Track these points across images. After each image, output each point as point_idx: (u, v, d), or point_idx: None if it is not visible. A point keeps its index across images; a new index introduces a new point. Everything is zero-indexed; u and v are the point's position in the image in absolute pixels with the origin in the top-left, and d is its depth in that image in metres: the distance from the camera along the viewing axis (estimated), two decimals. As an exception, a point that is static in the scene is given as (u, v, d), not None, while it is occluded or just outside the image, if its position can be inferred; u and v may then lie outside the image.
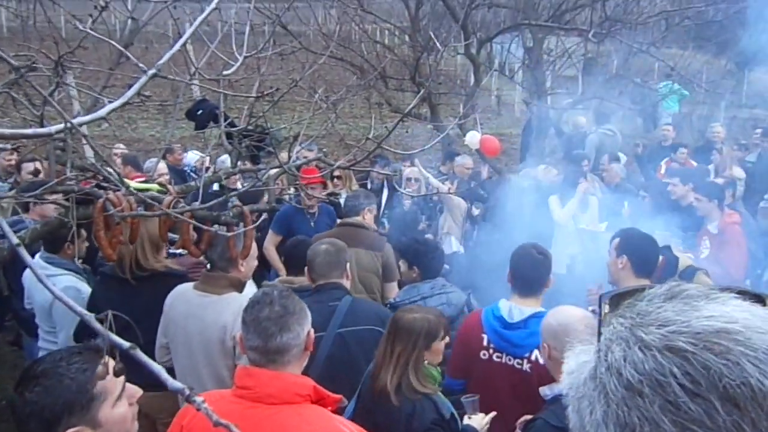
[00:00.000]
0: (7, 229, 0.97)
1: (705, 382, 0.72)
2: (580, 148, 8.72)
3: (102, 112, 1.12)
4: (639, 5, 8.03)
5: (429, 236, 6.58)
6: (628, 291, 0.89)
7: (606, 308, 0.90)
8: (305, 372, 2.25)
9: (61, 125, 1.06)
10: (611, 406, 0.77)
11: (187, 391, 0.67)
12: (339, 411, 2.26)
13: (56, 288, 0.84)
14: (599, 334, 0.85)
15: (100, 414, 1.63)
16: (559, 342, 2.50)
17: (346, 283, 3.64)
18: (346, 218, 4.80)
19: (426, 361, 2.90)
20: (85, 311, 0.83)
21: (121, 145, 8.24)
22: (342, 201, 5.88)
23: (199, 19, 1.40)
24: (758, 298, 0.83)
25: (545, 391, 2.61)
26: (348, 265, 3.67)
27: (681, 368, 0.73)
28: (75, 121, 1.07)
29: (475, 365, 3.29)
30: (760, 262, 5.69)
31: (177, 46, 1.37)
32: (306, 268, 3.66)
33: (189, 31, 1.43)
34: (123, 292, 3.52)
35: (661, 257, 3.78)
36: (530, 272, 3.31)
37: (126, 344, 0.74)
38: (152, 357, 3.45)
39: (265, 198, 5.16)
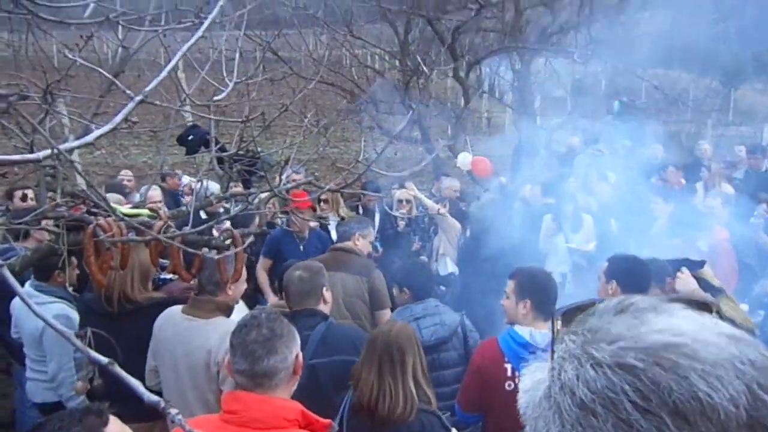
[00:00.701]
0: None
1: (655, 399, 0.71)
2: (568, 168, 8.79)
3: (89, 138, 1.14)
4: (623, 27, 8.16)
5: (423, 258, 6.60)
6: (579, 306, 0.89)
7: (559, 324, 0.90)
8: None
9: (49, 151, 1.08)
10: (566, 426, 0.77)
11: (162, 404, 0.68)
12: None
13: (38, 308, 0.85)
14: (552, 351, 0.84)
15: None
16: None
17: (324, 308, 3.55)
18: (337, 243, 4.82)
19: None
20: (65, 329, 0.84)
21: (129, 172, 8.23)
22: (331, 225, 5.91)
23: (186, 46, 1.43)
24: (704, 306, 0.84)
25: None
26: (325, 289, 3.56)
27: (632, 385, 0.73)
28: (63, 147, 1.09)
29: (498, 397, 3.12)
30: (755, 275, 5.72)
31: (164, 73, 1.40)
32: (282, 295, 3.61)
33: (176, 58, 1.45)
34: (106, 328, 3.51)
35: (669, 279, 3.77)
36: (551, 296, 3.26)
37: (104, 360, 0.75)
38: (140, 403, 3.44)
39: (257, 221, 5.19)
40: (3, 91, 2.08)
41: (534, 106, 10.11)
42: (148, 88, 1.28)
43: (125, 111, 1.18)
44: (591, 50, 7.20)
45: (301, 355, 2.23)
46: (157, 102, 1.41)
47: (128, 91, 1.27)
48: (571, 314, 0.88)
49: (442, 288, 6.49)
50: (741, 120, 14.57)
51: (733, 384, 0.71)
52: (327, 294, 3.56)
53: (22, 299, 0.84)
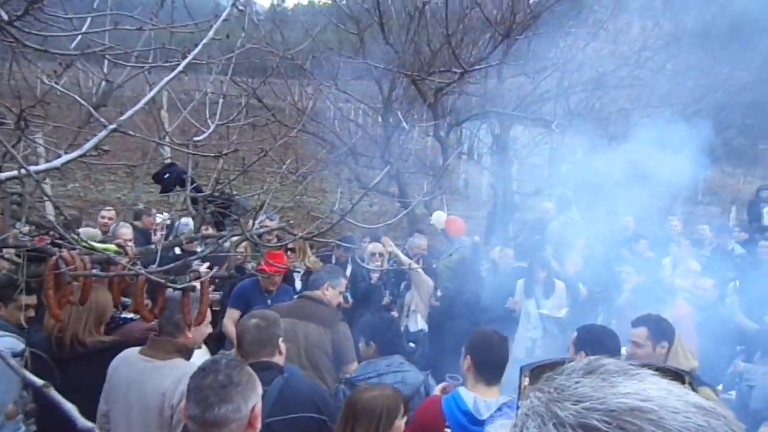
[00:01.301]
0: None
1: None
2: (541, 234, 8.89)
3: (57, 163, 1.12)
4: (601, 101, 8.44)
5: (394, 313, 6.54)
6: (548, 364, 0.88)
7: (526, 381, 0.89)
8: None
9: (14, 172, 1.05)
10: None
11: (96, 430, 0.65)
12: None
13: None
14: (517, 408, 0.83)
15: None
16: None
17: (279, 360, 3.38)
18: (306, 291, 4.75)
19: None
20: (9, 356, 0.79)
21: (111, 209, 8.10)
22: (296, 275, 5.83)
23: (165, 80, 1.42)
24: (677, 376, 0.84)
25: None
26: (280, 339, 3.41)
27: None
28: (32, 168, 1.06)
29: None
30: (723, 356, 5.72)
31: (140, 104, 1.39)
32: (234, 347, 3.44)
33: (154, 90, 1.45)
34: (52, 371, 3.39)
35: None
36: (495, 358, 3.18)
37: (40, 382, 0.71)
38: None
39: (226, 265, 5.11)
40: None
41: (511, 171, 10.28)
42: (122, 118, 1.27)
43: (96, 139, 1.16)
44: (568, 121, 7.41)
45: (260, 407, 2.14)
46: (131, 132, 1.40)
47: (102, 119, 1.25)
48: (539, 371, 0.87)
49: (412, 345, 6.42)
50: (709, 200, 15.00)
51: None
52: (282, 345, 3.40)
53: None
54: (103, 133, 1.17)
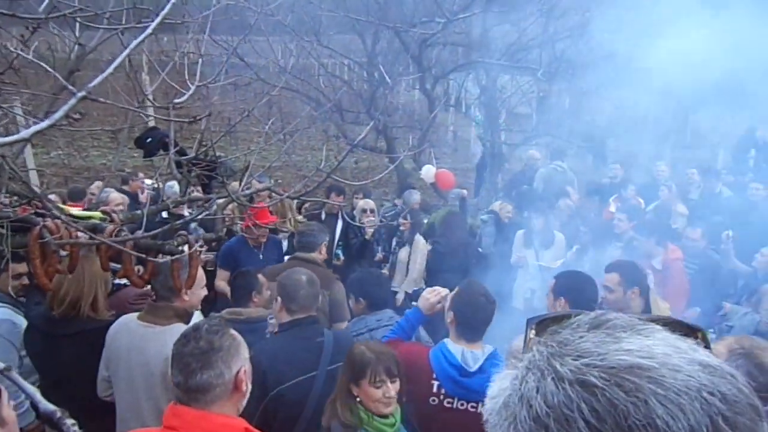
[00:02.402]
0: None
1: (610, 420, 0.69)
2: (529, 182, 8.91)
3: (26, 133, 1.09)
4: (588, 47, 8.33)
5: (385, 271, 6.57)
6: (555, 317, 0.86)
7: (532, 333, 0.88)
8: (299, 411, 2.15)
9: (-21, 145, 1.02)
10: None
11: (58, 414, 0.65)
12: None
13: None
14: (520, 360, 0.82)
15: (3, 412, 1.72)
16: None
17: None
18: (300, 253, 4.72)
19: (357, 398, 2.75)
20: None
21: (99, 183, 8.00)
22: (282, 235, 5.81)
23: (134, 43, 1.38)
24: (689, 330, 0.81)
25: None
26: (321, 297, 3.54)
27: (588, 404, 0.70)
28: (-2, 141, 1.03)
29: (419, 407, 3.07)
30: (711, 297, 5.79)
31: (109, 70, 1.35)
32: (279, 299, 3.42)
33: (122, 56, 1.41)
34: (52, 346, 3.41)
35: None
36: (478, 320, 3.11)
37: (0, 365, 0.71)
38: (88, 418, 3.34)
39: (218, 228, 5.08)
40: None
41: (499, 122, 10.22)
42: (92, 84, 1.23)
43: (66, 107, 1.12)
44: (555, 68, 7.32)
45: (245, 370, 2.11)
46: (102, 99, 1.36)
47: (71, 87, 1.21)
48: (545, 324, 0.86)
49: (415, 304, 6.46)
50: (698, 143, 15.01)
51: (695, 414, 0.69)
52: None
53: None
54: (72, 100, 1.14)
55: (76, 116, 1.21)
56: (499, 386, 0.83)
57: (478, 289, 3.20)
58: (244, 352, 2.15)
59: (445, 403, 3.04)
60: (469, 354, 3.03)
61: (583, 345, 0.76)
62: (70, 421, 0.63)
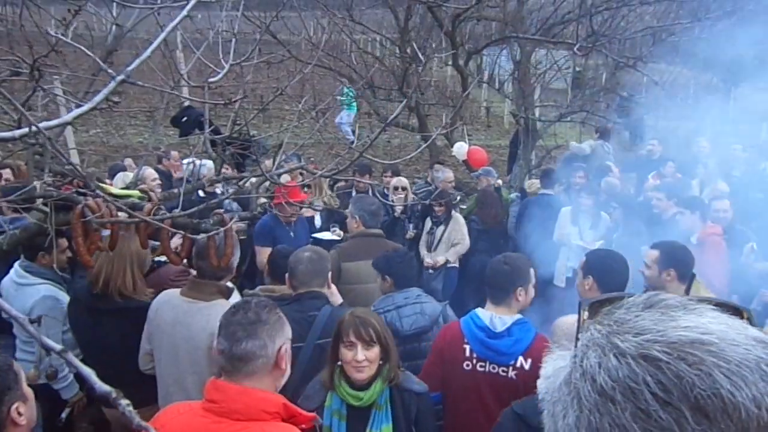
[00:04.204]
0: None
1: (677, 392, 0.72)
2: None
3: (68, 117, 1.11)
4: (626, 20, 8.11)
5: (422, 247, 6.58)
6: (607, 298, 0.90)
7: (585, 315, 0.91)
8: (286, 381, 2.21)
9: (25, 130, 1.05)
10: (584, 411, 0.78)
11: (114, 395, 0.67)
12: (314, 429, 2.20)
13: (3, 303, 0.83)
14: (576, 339, 0.85)
15: (24, 388, 1.98)
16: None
17: (328, 293, 3.62)
18: (367, 229, 4.78)
19: (339, 362, 2.82)
20: (19, 314, 0.82)
21: (129, 161, 8.15)
22: (317, 212, 5.85)
23: (171, 25, 1.39)
24: (736, 311, 0.84)
25: None
26: (330, 274, 3.65)
27: (654, 377, 0.74)
28: (42, 125, 1.06)
29: (456, 376, 3.25)
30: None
31: (147, 53, 1.36)
32: (287, 276, 3.63)
33: (160, 38, 1.42)
34: (95, 322, 3.51)
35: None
36: (498, 282, 3.32)
37: (57, 347, 0.74)
38: (129, 391, 3.45)
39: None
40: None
41: (533, 98, 10.05)
42: (130, 68, 1.25)
43: (106, 90, 1.15)
44: (591, 43, 7.14)
45: (287, 348, 2.16)
46: (140, 83, 1.38)
47: (109, 70, 1.24)
48: (598, 306, 0.89)
49: (430, 272, 6.46)
50: (741, 118, 14.54)
51: (757, 385, 0.72)
52: (330, 281, 3.65)
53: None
54: (112, 84, 1.16)
55: (116, 99, 1.23)
56: (554, 366, 0.88)
57: (503, 257, 3.43)
58: (288, 331, 2.20)
59: (477, 367, 3.21)
60: (497, 318, 3.21)
61: (640, 323, 0.79)
62: (125, 402, 0.65)
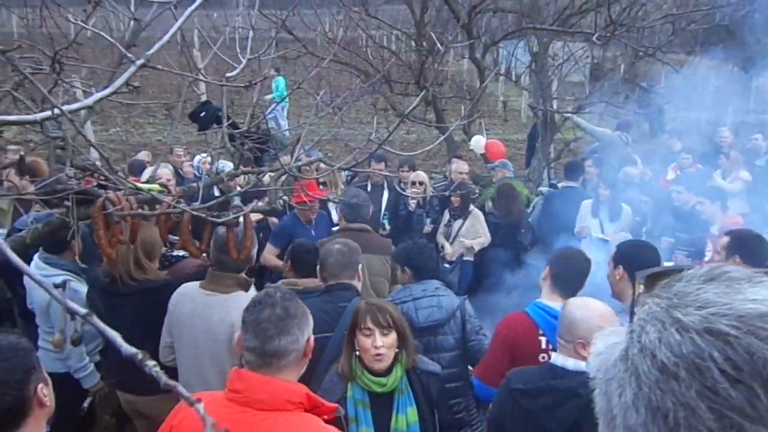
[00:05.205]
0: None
1: (748, 368, 0.68)
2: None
3: (89, 101, 1.12)
4: (644, 9, 7.98)
5: (441, 239, 6.57)
6: (664, 271, 0.87)
7: (640, 288, 0.87)
8: (312, 372, 2.21)
9: (48, 112, 1.06)
10: (643, 389, 0.74)
11: (140, 356, 0.67)
12: (336, 420, 2.21)
13: (28, 268, 0.84)
14: (632, 314, 0.82)
15: (44, 374, 2.00)
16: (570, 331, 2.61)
17: (358, 285, 3.66)
18: (351, 223, 4.76)
19: (357, 351, 2.85)
20: (50, 286, 0.82)
21: (148, 153, 8.22)
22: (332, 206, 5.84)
23: (189, 10, 1.40)
24: None
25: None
26: (360, 266, 3.68)
27: (722, 353, 0.70)
28: (65, 108, 1.07)
29: None
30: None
31: (167, 36, 1.37)
32: (318, 268, 3.70)
33: (180, 21, 1.42)
34: (113, 306, 3.55)
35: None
36: (576, 274, 3.33)
37: (83, 310, 0.74)
38: (150, 382, 3.48)
39: (266, 199, 5.15)
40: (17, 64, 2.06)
41: (551, 90, 9.95)
42: (150, 52, 1.26)
43: (126, 74, 1.15)
44: (610, 32, 7.05)
45: (312, 338, 2.18)
46: (160, 66, 1.39)
47: (131, 56, 1.24)
48: (654, 278, 0.87)
49: (446, 266, 6.44)
50: (762, 107, 14.30)
51: None
52: (361, 273, 3.69)
53: (13, 261, 0.83)
54: (132, 68, 1.17)
55: (136, 84, 1.24)
56: (605, 342, 0.83)
57: (574, 249, 3.50)
58: (311, 320, 2.20)
59: None
60: None
61: (703, 296, 0.75)
62: (151, 363, 0.66)
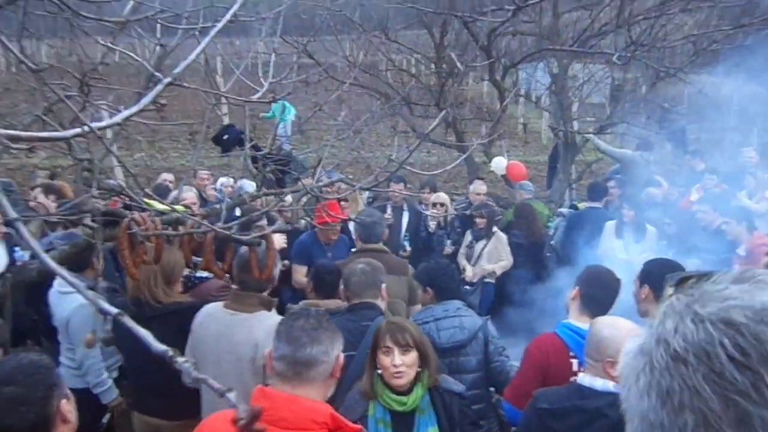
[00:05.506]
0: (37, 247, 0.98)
1: (755, 354, 0.69)
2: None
3: (118, 118, 1.15)
4: (665, 30, 7.96)
5: (462, 260, 6.53)
6: (695, 274, 0.86)
7: (670, 291, 0.88)
8: (335, 391, 2.20)
9: (78, 129, 1.09)
10: (654, 374, 0.76)
11: (170, 353, 0.68)
12: None
13: (64, 272, 0.85)
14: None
15: (66, 390, 2.04)
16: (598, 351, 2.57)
17: (381, 304, 3.65)
18: (367, 244, 4.75)
19: (379, 370, 2.84)
20: (75, 279, 0.84)
21: (170, 175, 8.33)
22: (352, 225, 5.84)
23: (216, 27, 1.43)
24: None
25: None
26: (384, 285, 3.69)
27: (732, 339, 0.70)
28: (94, 125, 1.09)
29: None
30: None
31: (195, 54, 1.40)
32: (342, 287, 3.71)
33: (207, 39, 1.46)
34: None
35: None
36: (606, 294, 3.28)
37: (114, 310, 0.75)
38: (174, 402, 3.46)
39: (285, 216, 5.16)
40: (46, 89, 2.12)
41: (571, 111, 9.94)
42: (177, 70, 1.29)
43: (153, 93, 1.18)
44: (630, 53, 7.04)
45: (342, 357, 2.18)
46: (186, 84, 1.42)
47: (158, 74, 1.27)
48: (685, 280, 0.86)
49: (467, 287, 6.41)
50: (788, 127, 14.10)
51: None
52: (385, 291, 3.70)
53: (34, 250, 0.84)
54: (159, 86, 1.20)
55: (163, 102, 1.27)
56: (633, 342, 0.84)
57: (603, 268, 3.42)
58: (341, 340, 2.20)
59: None
60: None
61: (726, 292, 0.76)
62: (181, 359, 0.67)
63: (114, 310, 0.75)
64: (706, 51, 8.76)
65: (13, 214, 0.80)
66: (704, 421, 0.71)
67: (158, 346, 0.69)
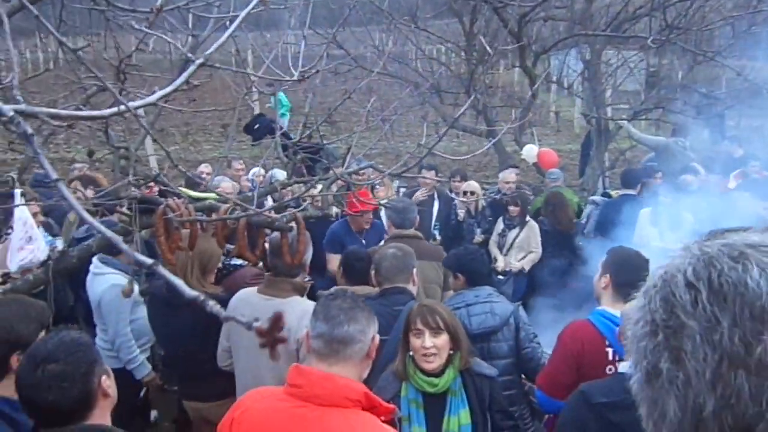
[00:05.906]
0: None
1: (704, 275, 0.73)
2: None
3: (153, 98, 1.18)
4: (702, 11, 7.76)
5: (495, 253, 6.50)
6: (731, 229, 0.86)
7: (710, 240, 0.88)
8: (368, 374, 2.23)
9: (114, 109, 1.13)
10: (640, 301, 0.82)
11: (202, 297, 0.71)
12: (392, 422, 2.20)
13: (88, 216, 0.88)
14: None
15: (106, 366, 2.10)
16: None
17: (412, 288, 3.67)
18: (400, 230, 4.75)
19: (411, 352, 2.87)
20: (110, 232, 0.87)
21: (209, 167, 8.45)
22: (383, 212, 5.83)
23: (246, 10, 1.45)
24: None
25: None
26: (415, 270, 3.70)
27: (692, 263, 0.75)
28: (130, 104, 1.13)
29: None
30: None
31: (227, 35, 1.43)
32: (372, 272, 3.74)
33: (237, 20, 1.48)
34: (169, 315, 3.66)
35: None
36: (637, 275, 3.03)
37: (149, 261, 0.78)
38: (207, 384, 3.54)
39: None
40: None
41: (604, 98, 9.77)
42: (208, 51, 1.31)
43: (186, 73, 1.21)
44: (665, 36, 6.87)
45: (378, 339, 2.21)
46: (218, 64, 1.45)
47: (189, 55, 1.30)
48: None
49: (500, 277, 6.38)
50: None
51: None
52: (416, 277, 3.72)
53: (76, 209, 0.87)
54: (192, 68, 1.23)
55: (196, 83, 1.30)
56: None
57: (629, 250, 3.30)
58: (376, 322, 2.22)
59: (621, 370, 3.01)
60: None
61: (743, 235, 0.78)
62: (211, 303, 0.70)
63: (149, 260, 0.78)
64: (746, 34, 8.51)
65: (54, 175, 0.83)
66: (663, 339, 0.76)
67: (190, 292, 0.72)
